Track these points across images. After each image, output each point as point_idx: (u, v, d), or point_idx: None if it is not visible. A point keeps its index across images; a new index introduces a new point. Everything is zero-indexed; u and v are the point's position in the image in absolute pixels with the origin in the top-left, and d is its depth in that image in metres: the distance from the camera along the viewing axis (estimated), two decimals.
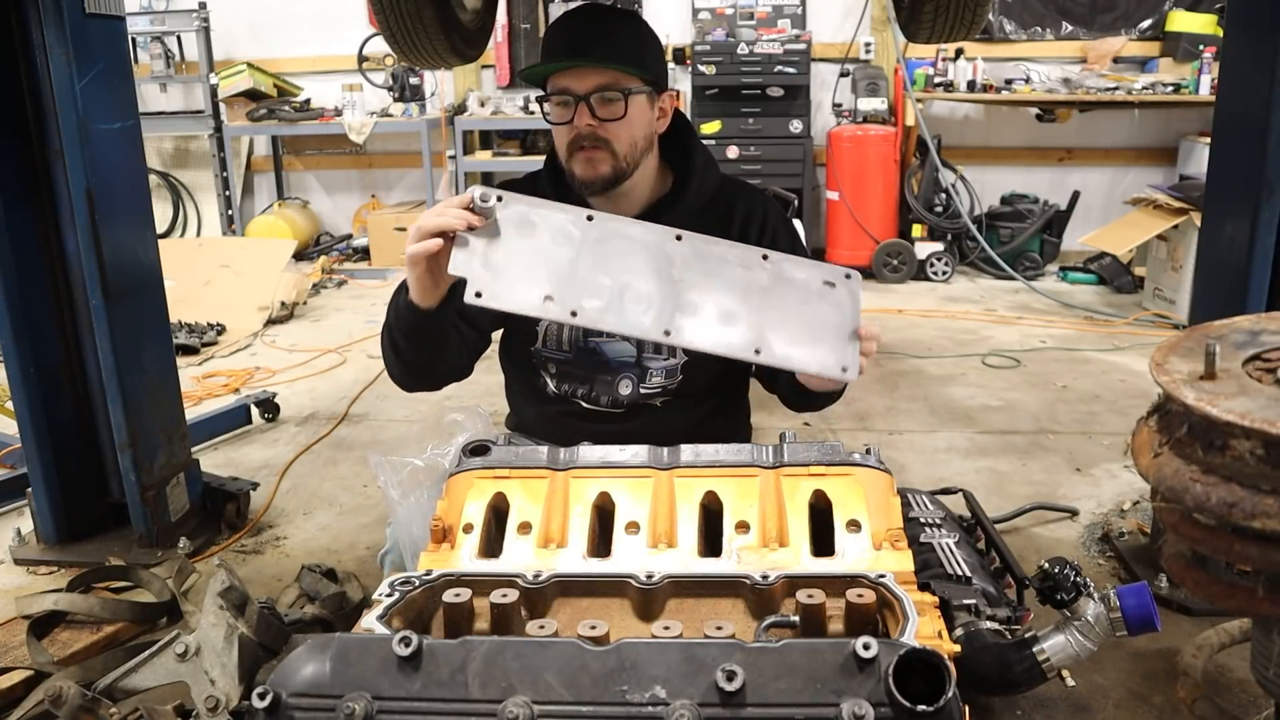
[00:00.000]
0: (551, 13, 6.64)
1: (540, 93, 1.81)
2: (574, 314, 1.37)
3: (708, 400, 1.93)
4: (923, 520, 1.91)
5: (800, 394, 1.72)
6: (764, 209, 1.91)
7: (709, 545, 1.36)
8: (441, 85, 6.60)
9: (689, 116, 5.99)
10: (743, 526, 1.36)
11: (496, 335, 1.93)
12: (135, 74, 3.02)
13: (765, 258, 1.42)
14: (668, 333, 1.38)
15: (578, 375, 1.89)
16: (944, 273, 6.03)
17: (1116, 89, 5.92)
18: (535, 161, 6.56)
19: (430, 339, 1.64)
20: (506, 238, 1.39)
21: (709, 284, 1.40)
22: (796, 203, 3.03)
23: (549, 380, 1.92)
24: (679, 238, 1.41)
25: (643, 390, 1.88)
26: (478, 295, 1.36)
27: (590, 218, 1.41)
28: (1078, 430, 3.48)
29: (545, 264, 1.38)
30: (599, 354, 1.88)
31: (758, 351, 1.39)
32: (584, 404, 1.89)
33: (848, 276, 1.44)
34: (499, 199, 1.39)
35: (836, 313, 1.43)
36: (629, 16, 1.90)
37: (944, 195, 6.00)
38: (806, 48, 6.02)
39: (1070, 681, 1.52)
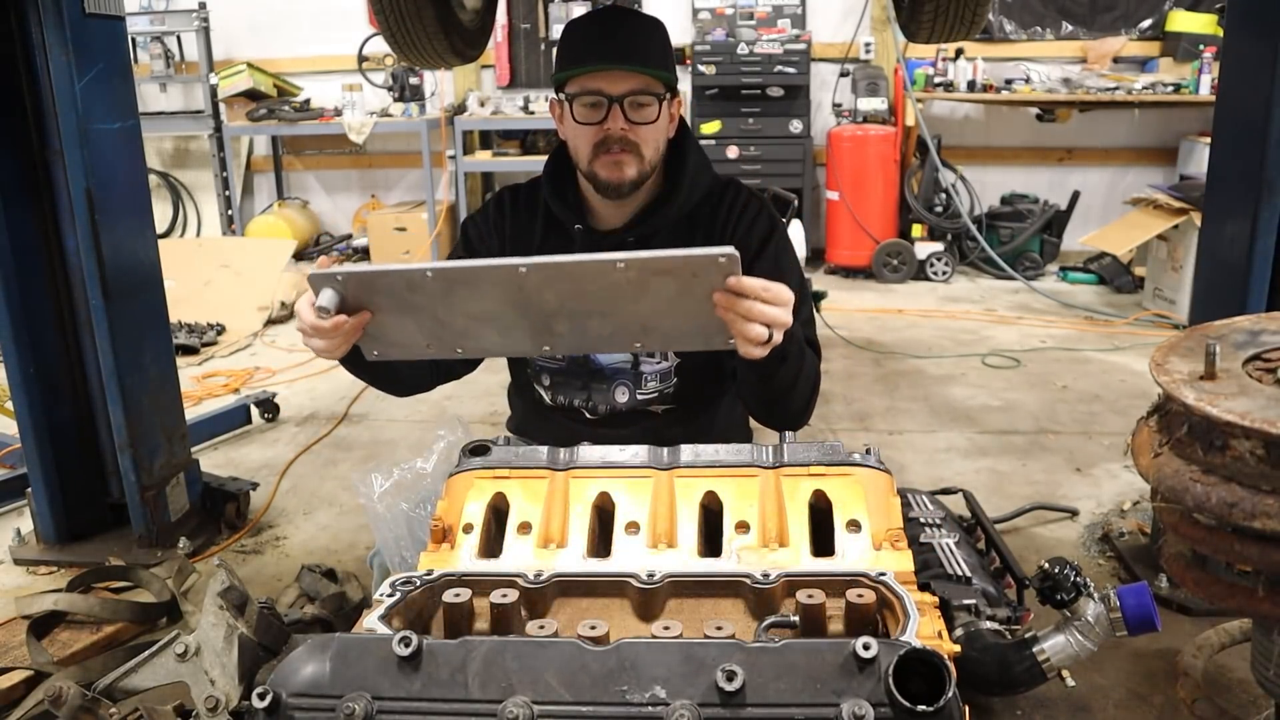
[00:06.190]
0: (552, 13, 6.64)
1: (551, 93, 1.78)
2: (459, 350, 1.43)
3: (708, 405, 1.93)
4: (923, 520, 1.91)
5: (751, 399, 1.74)
6: (752, 214, 1.85)
7: (709, 545, 1.36)
8: (441, 85, 6.60)
9: (690, 117, 6.02)
10: (743, 526, 1.36)
11: None
12: (135, 74, 3.02)
13: (621, 264, 1.32)
14: (547, 347, 1.42)
15: (574, 385, 1.90)
16: (944, 273, 6.03)
17: (1116, 89, 5.92)
18: (535, 161, 6.67)
19: (369, 371, 1.63)
20: (371, 303, 1.41)
21: (571, 300, 1.37)
22: (796, 203, 3.02)
23: (544, 393, 1.93)
24: (523, 269, 1.33)
25: (639, 396, 1.88)
26: (375, 354, 1.45)
27: (430, 273, 1.36)
28: (1078, 430, 3.48)
29: (411, 318, 1.40)
30: (593, 362, 1.88)
31: (639, 344, 1.43)
32: (586, 413, 1.90)
33: (722, 260, 1.31)
34: (340, 278, 1.38)
35: (708, 294, 1.34)
36: (655, 21, 1.88)
37: (944, 195, 6.00)
38: (806, 48, 6.02)
39: (1070, 681, 1.52)
